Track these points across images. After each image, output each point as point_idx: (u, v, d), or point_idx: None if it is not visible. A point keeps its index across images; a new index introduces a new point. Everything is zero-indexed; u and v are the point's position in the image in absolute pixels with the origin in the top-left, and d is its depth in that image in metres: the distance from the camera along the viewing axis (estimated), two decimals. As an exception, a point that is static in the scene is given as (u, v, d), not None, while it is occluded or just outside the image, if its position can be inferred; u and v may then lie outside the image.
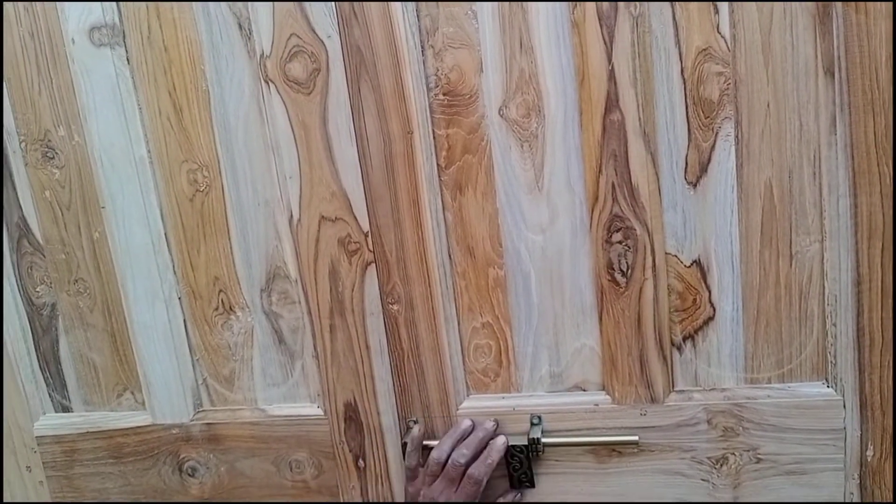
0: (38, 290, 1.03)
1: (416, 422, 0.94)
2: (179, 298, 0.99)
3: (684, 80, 0.80)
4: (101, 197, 0.96)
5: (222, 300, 0.98)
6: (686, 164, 0.82)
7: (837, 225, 0.80)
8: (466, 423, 0.93)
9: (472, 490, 0.88)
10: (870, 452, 0.85)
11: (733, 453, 0.88)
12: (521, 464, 0.92)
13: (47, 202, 0.99)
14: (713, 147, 0.81)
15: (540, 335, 0.91)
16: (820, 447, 0.85)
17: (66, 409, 1.08)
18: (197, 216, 0.95)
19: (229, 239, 0.95)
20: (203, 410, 1.02)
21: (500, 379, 0.94)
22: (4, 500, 1.12)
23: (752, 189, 0.82)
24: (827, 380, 0.85)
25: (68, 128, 0.95)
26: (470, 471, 0.88)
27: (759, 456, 0.87)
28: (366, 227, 0.90)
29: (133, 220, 0.96)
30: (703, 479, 0.89)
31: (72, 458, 1.07)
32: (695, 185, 0.83)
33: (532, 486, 0.94)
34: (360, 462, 0.98)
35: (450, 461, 0.89)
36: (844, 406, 0.84)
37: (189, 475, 1.04)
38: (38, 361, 1.06)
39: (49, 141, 0.96)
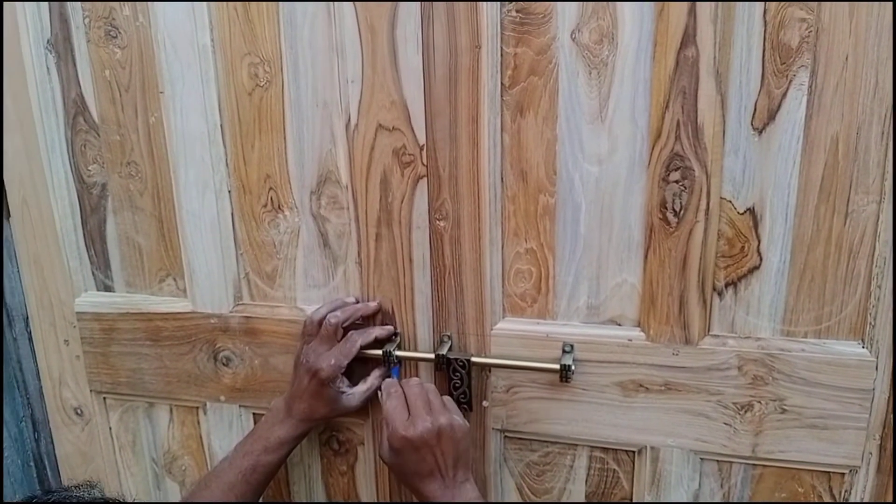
0: (90, 168, 1.04)
1: (449, 336, 0.96)
2: (229, 191, 0.99)
3: (765, 22, 0.78)
4: (160, 81, 0.96)
5: (271, 198, 0.98)
6: (755, 109, 0.81)
7: (899, 187, 0.79)
8: (350, 299, 0.98)
9: (346, 349, 0.93)
10: (895, 416, 0.86)
11: (759, 401, 0.89)
12: (462, 381, 0.94)
13: (106, 81, 0.99)
14: (785, 95, 0.80)
15: (582, 267, 0.91)
16: (846, 405, 0.86)
17: (108, 289, 1.10)
18: (254, 111, 0.95)
19: (284, 138, 0.95)
20: (243, 304, 1.04)
21: (536, 305, 0.95)
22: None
23: (818, 142, 0.80)
24: (863, 340, 0.85)
25: (133, 7, 0.94)
26: (352, 333, 0.94)
27: (784, 406, 0.88)
28: (422, 140, 0.90)
29: (190, 109, 0.96)
30: (725, 423, 0.91)
31: (110, 337, 1.10)
32: (760, 132, 0.81)
33: (470, 409, 0.96)
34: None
35: (325, 321, 0.93)
36: (877, 368, 0.85)
37: (223, 364, 1.07)
38: (84, 239, 1.09)
39: (113, 20, 0.96)
